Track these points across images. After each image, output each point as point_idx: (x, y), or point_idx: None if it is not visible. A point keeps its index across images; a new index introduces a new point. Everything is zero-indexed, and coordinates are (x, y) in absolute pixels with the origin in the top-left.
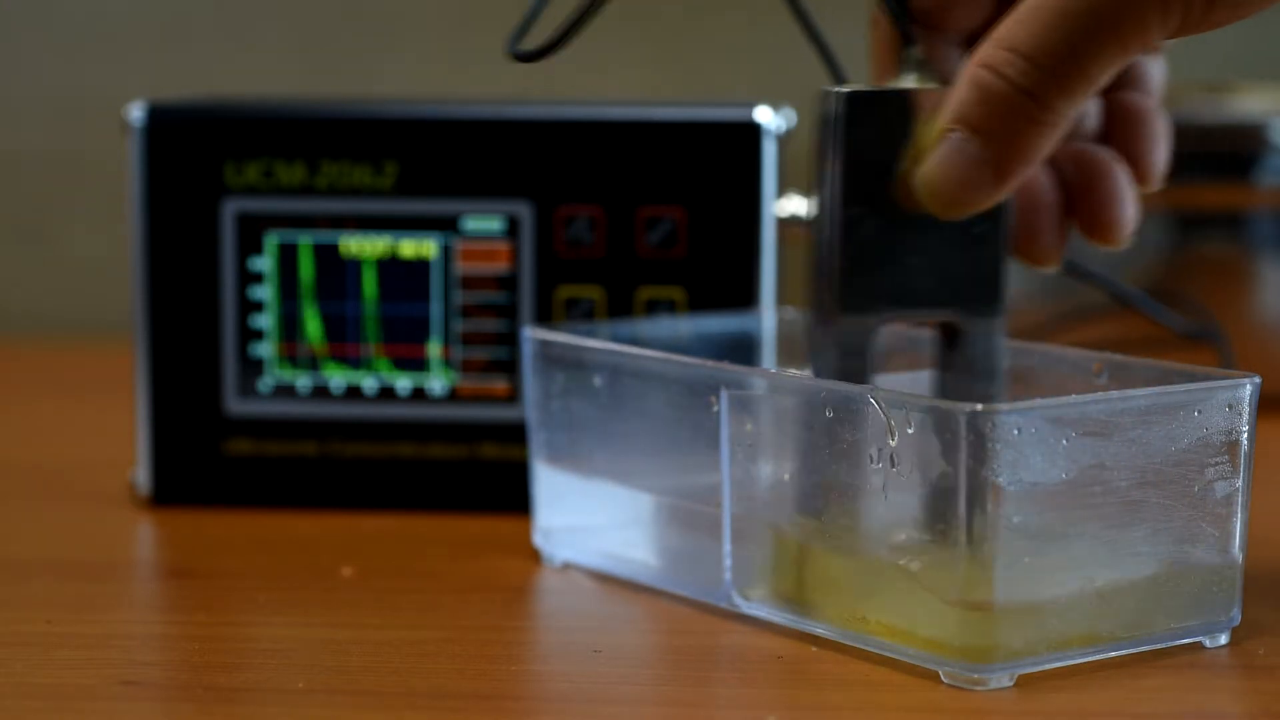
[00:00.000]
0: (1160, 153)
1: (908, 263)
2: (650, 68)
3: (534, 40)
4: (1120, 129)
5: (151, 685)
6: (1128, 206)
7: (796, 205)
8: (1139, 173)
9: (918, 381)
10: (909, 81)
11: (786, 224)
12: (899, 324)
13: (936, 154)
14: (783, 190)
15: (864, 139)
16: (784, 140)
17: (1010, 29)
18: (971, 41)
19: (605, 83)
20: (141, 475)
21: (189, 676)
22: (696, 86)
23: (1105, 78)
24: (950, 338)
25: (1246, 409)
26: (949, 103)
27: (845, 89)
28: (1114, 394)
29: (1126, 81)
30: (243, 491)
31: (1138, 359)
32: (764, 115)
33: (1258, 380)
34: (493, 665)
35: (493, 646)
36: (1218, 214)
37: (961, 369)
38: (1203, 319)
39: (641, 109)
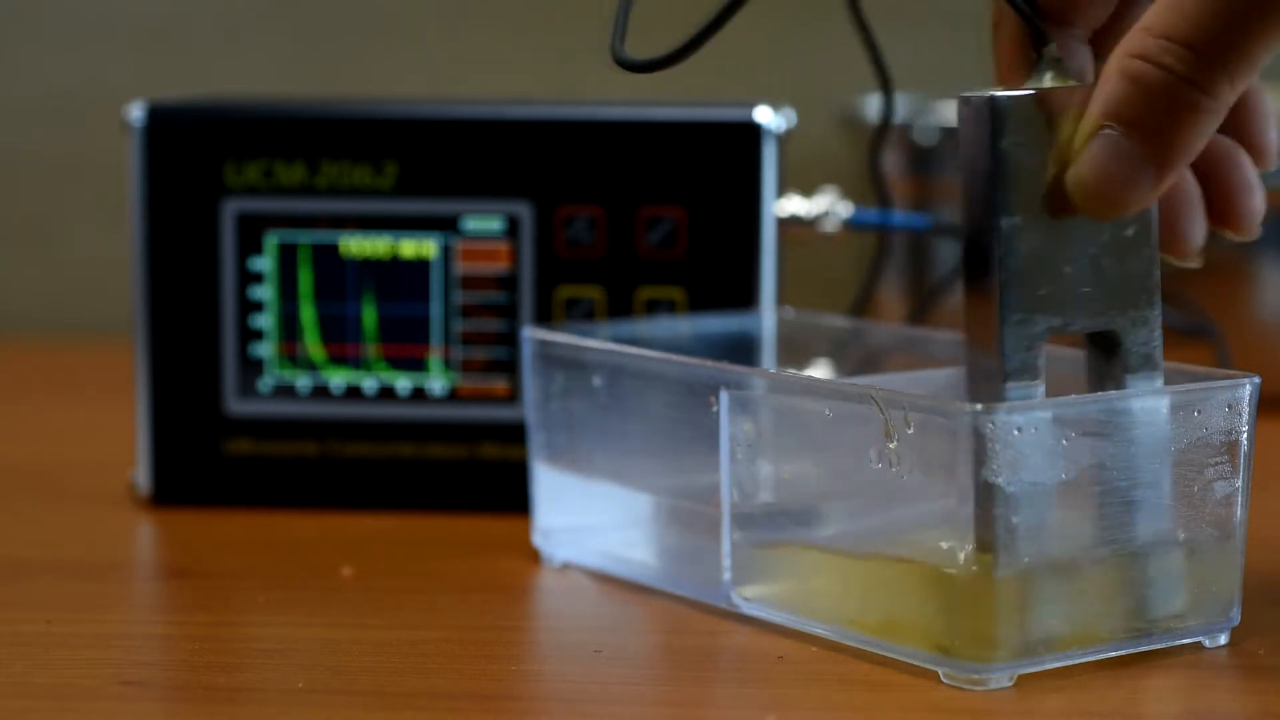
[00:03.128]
0: (1273, 132)
1: (1064, 271)
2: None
3: (636, 44)
4: (1233, 115)
5: (151, 685)
6: (1257, 195)
7: (796, 205)
8: (1256, 155)
9: (918, 381)
10: (1047, 81)
11: (786, 224)
12: (1060, 340)
13: (1090, 153)
14: (783, 190)
15: (1013, 145)
16: (784, 140)
17: (1161, 15)
18: (1095, 38)
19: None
20: (141, 475)
21: (189, 676)
22: (696, 86)
23: (1266, 59)
24: (1104, 346)
25: (1246, 409)
26: (1098, 98)
27: (990, 93)
28: (1114, 394)
29: None
30: (243, 491)
31: None
32: (764, 115)
33: (1257, 380)
34: (493, 665)
35: (493, 646)
36: None
37: (1119, 378)
38: (1199, 317)
39: (641, 109)
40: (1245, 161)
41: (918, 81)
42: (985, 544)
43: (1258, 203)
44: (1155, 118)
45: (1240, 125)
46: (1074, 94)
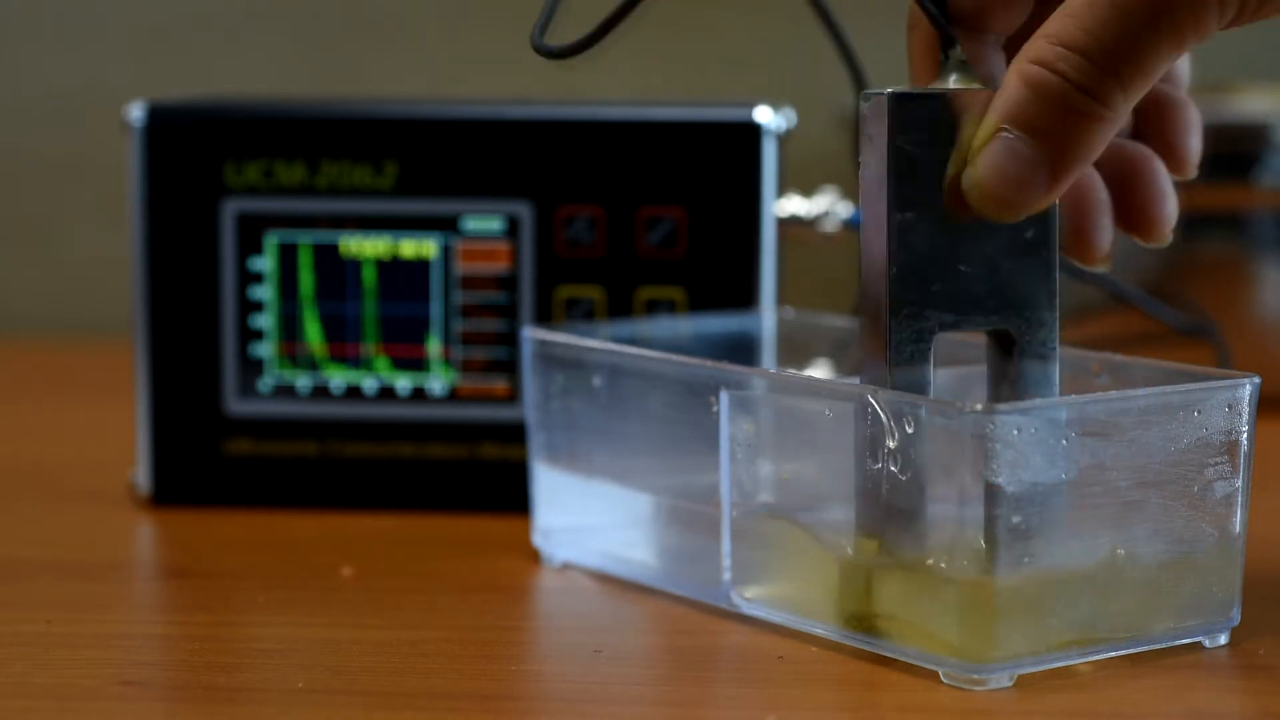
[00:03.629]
0: (1195, 141)
1: (960, 269)
2: (650, 68)
3: (559, 35)
4: (1153, 122)
5: (151, 685)
6: (1169, 202)
7: (796, 205)
8: (1175, 162)
9: None
10: (952, 83)
11: (786, 224)
12: (952, 334)
13: (987, 155)
14: (783, 190)
15: (911, 143)
16: (784, 140)
17: (1062, 24)
18: (1010, 43)
19: (605, 83)
20: (141, 475)
21: (189, 676)
22: (696, 86)
23: (1162, 70)
24: (1003, 346)
25: (1246, 409)
26: (998, 102)
27: (888, 90)
28: (1114, 394)
29: None
30: (243, 491)
31: (1138, 359)
32: (764, 115)
33: (1257, 380)
34: (493, 665)
35: (493, 646)
36: (1218, 214)
37: (1016, 378)
38: (1200, 318)
39: (641, 109)
40: (1159, 169)
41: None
42: (985, 544)
43: (1169, 210)
44: (1050, 123)
45: (1161, 133)
46: (976, 97)
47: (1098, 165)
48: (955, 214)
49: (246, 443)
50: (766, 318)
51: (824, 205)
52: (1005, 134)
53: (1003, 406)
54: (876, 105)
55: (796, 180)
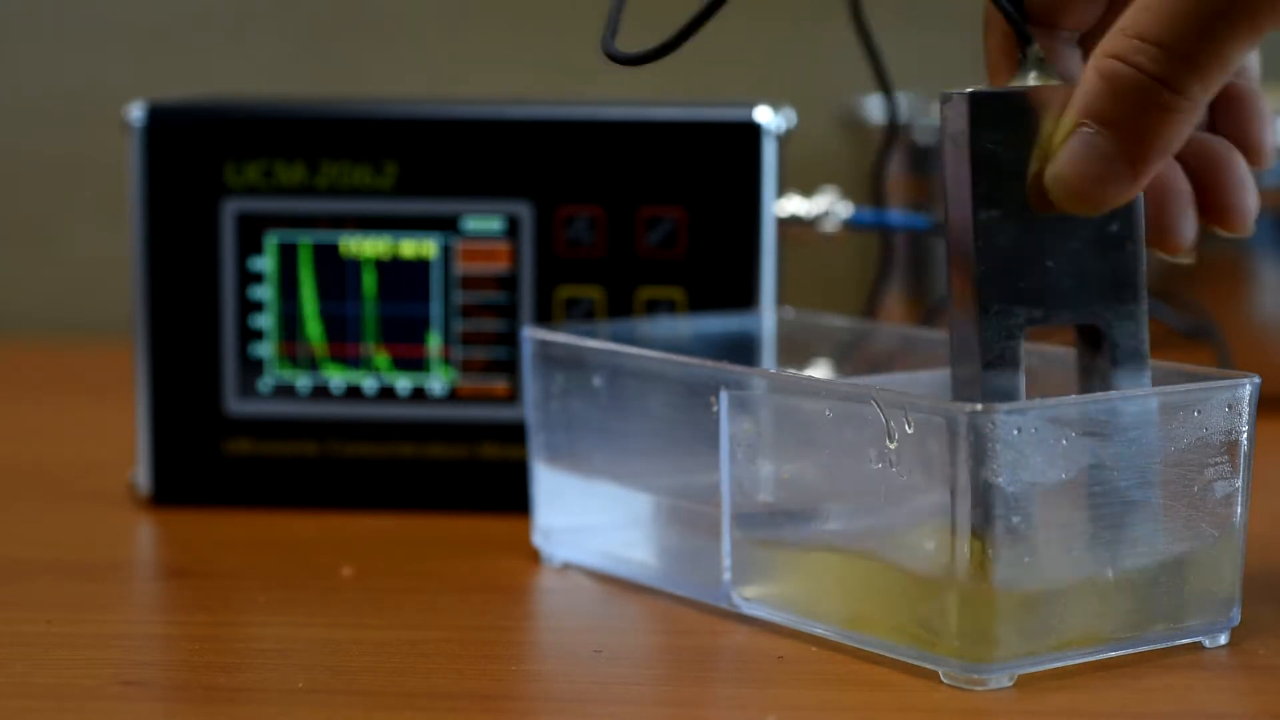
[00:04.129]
0: (1269, 132)
1: (1046, 265)
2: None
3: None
4: (1227, 114)
5: (151, 685)
6: (1250, 193)
7: (796, 205)
8: (1251, 153)
9: (918, 381)
10: (1030, 80)
11: (786, 224)
12: (1042, 330)
13: (1068, 151)
14: (783, 190)
15: (992, 141)
16: (784, 140)
17: (1137, 16)
18: (1085, 40)
19: (605, 82)
20: (141, 475)
21: (189, 676)
22: (696, 86)
23: (1240, 60)
24: (1093, 343)
25: (1246, 409)
26: (1076, 97)
27: (970, 90)
28: (1114, 394)
29: None
30: (243, 491)
31: None
32: (764, 115)
33: (1257, 380)
34: (493, 665)
35: (493, 646)
36: None
37: (1106, 372)
38: (1200, 318)
39: (641, 109)
40: (1238, 161)
41: (917, 81)
42: (985, 544)
43: (1251, 201)
44: (1128, 116)
45: (1237, 125)
46: (1055, 93)
47: (1178, 158)
48: (1039, 210)
49: (246, 443)
50: (766, 318)
51: (824, 205)
52: (1085, 128)
53: (1003, 406)
54: (957, 105)
55: (796, 180)
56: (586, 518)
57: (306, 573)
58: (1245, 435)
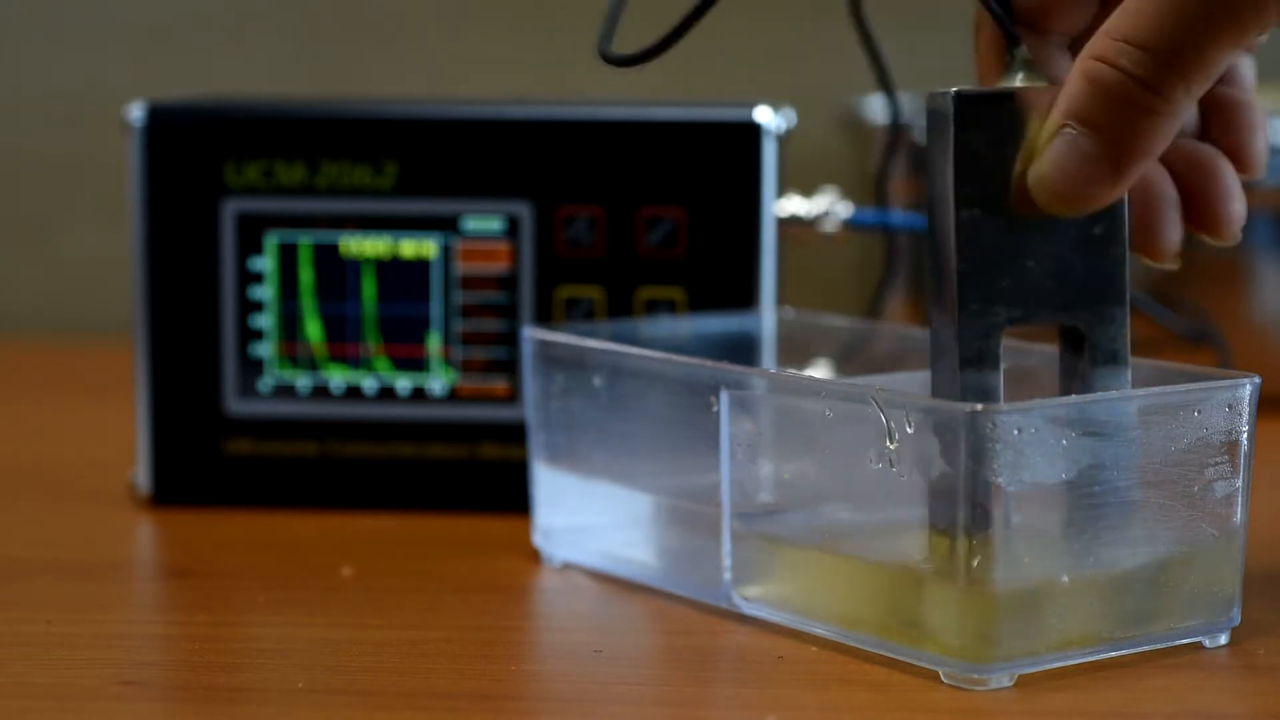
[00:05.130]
0: (1261, 141)
1: (1027, 265)
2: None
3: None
4: (1218, 122)
5: (151, 685)
6: (1237, 201)
7: (796, 205)
8: (1241, 162)
9: (918, 381)
10: (1017, 82)
11: (786, 224)
12: (1021, 330)
13: (1051, 152)
14: (783, 190)
15: (977, 141)
16: (784, 140)
17: (1122, 19)
18: (1076, 44)
19: (605, 82)
20: (141, 475)
21: (189, 676)
22: (696, 86)
23: (1223, 65)
24: (1074, 344)
25: (1246, 409)
26: (1061, 99)
27: (954, 90)
28: (1114, 394)
29: (1221, 77)
30: (243, 491)
31: (1138, 359)
32: (764, 115)
33: (1257, 380)
34: (493, 665)
35: (493, 646)
36: None
37: (1086, 374)
38: (1202, 322)
39: (641, 109)
40: (1226, 168)
41: (918, 81)
42: (985, 544)
43: (1238, 209)
44: (1112, 119)
45: (1228, 133)
46: (1041, 94)
47: (1166, 164)
48: (1022, 211)
49: (246, 443)
50: (766, 318)
51: (824, 205)
52: (1069, 130)
53: (1003, 406)
54: (942, 104)
55: (796, 180)
56: (586, 518)
57: (306, 573)
58: (1245, 435)
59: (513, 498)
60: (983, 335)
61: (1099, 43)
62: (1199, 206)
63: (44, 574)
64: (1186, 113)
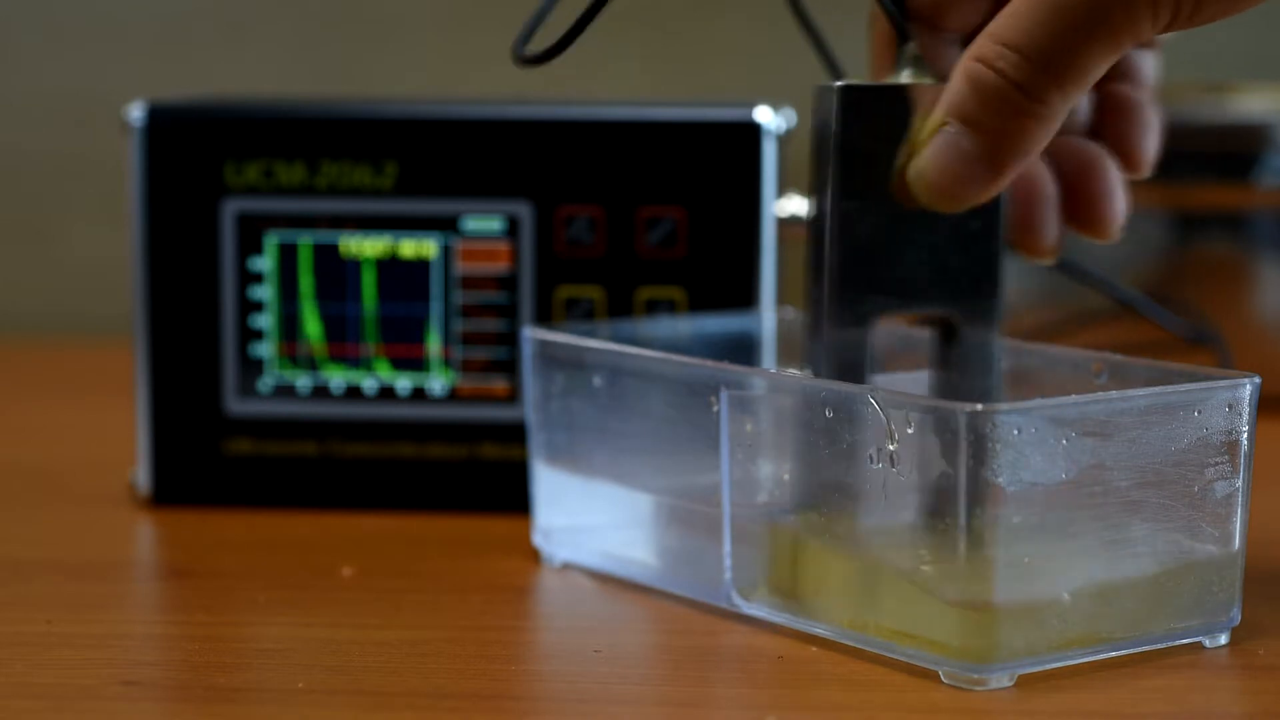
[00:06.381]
0: (1151, 141)
1: (905, 258)
2: (650, 68)
3: (540, 43)
4: (1110, 120)
5: (151, 685)
6: (1118, 200)
7: (796, 205)
8: (1129, 161)
9: (917, 381)
10: (905, 77)
11: (786, 224)
12: (895, 319)
13: (931, 148)
14: (783, 190)
15: (860, 134)
16: (784, 140)
17: (1003, 23)
18: (969, 40)
19: (605, 83)
20: (141, 475)
21: (189, 676)
22: (696, 86)
23: (1098, 71)
24: (947, 334)
25: (1246, 409)
26: (944, 97)
27: (840, 83)
28: (1114, 394)
29: (1117, 74)
30: (243, 491)
31: (1138, 359)
32: (764, 115)
33: (1257, 380)
34: (493, 665)
35: (493, 646)
36: (1218, 214)
37: (958, 366)
38: (1202, 323)
39: (641, 109)
40: (1110, 167)
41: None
42: (985, 544)
43: (1117, 207)
44: (990, 119)
45: (1119, 132)
46: (926, 91)
47: (1050, 160)
48: (902, 204)
49: (246, 443)
50: (766, 318)
51: None
52: (949, 128)
53: (1003, 406)
54: (827, 96)
55: (796, 180)
56: (586, 518)
57: (306, 573)
58: (1245, 435)
59: (513, 498)
60: (854, 323)
61: (981, 44)
62: (1078, 204)
63: (44, 574)
64: (1063, 115)
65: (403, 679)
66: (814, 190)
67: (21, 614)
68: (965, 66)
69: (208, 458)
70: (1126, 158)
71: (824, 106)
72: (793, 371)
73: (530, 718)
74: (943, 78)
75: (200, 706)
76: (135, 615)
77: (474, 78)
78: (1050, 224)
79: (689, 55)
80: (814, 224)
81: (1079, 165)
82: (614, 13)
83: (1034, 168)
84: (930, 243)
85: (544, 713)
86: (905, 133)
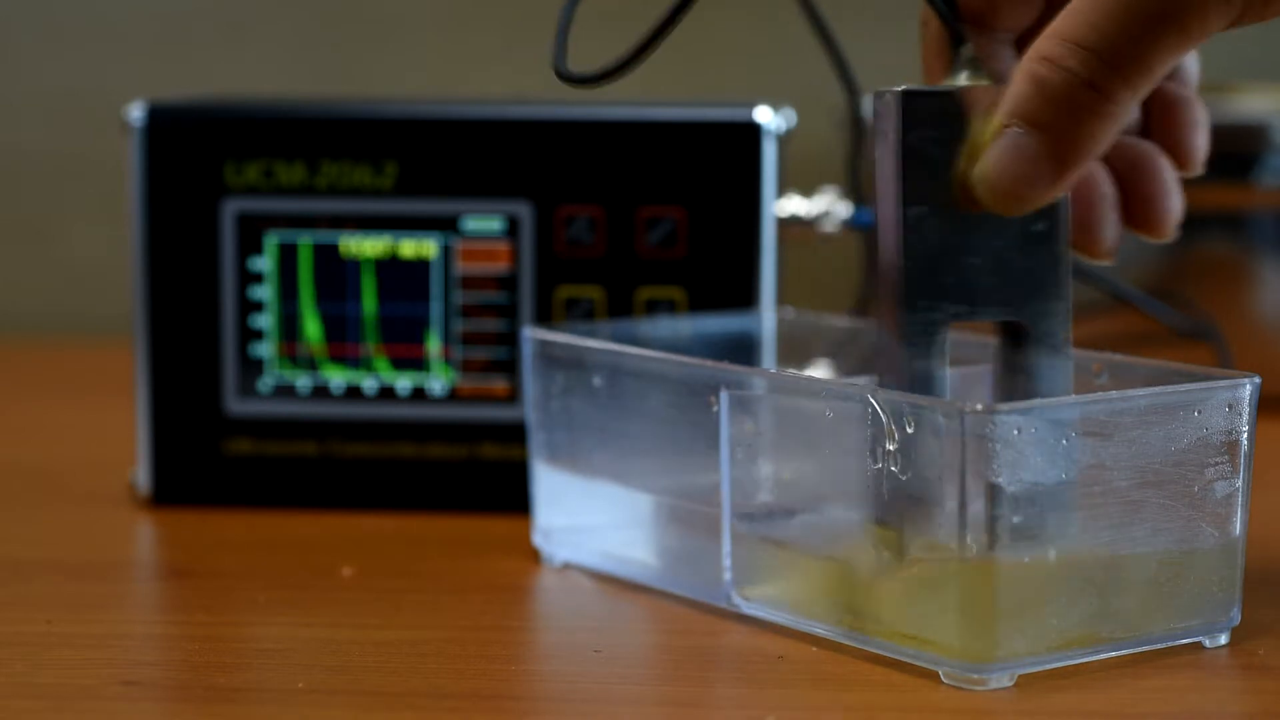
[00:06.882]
0: (1201, 139)
1: (970, 262)
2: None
3: (579, 57)
4: (1160, 119)
5: (151, 685)
6: (1174, 198)
7: (796, 205)
8: (1181, 159)
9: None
10: (962, 80)
11: (786, 224)
12: (964, 327)
13: (994, 150)
14: (783, 190)
15: (922, 139)
16: (784, 140)
17: (1069, 21)
18: (1021, 41)
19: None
20: (141, 475)
21: (189, 676)
22: (696, 86)
23: (1166, 68)
24: (1014, 338)
25: (1246, 409)
26: (1006, 98)
27: (901, 89)
28: (1114, 394)
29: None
30: (243, 491)
31: (1138, 359)
32: (764, 115)
33: (1257, 380)
34: (493, 665)
35: (493, 646)
36: (1218, 214)
37: (1027, 370)
38: (1201, 318)
39: (641, 109)
40: (1165, 166)
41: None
42: (985, 544)
43: (1174, 206)
44: (1055, 118)
45: (1169, 131)
46: (986, 93)
47: (1105, 162)
48: (965, 208)
49: (246, 443)
50: (766, 318)
51: (824, 205)
52: (1012, 129)
53: (1003, 406)
54: (888, 103)
55: (796, 180)
56: (586, 518)
57: (306, 573)
58: (1245, 435)
59: (513, 498)
60: (927, 332)
61: (1045, 44)
62: (1136, 204)
63: (44, 574)
64: (1129, 113)
65: (403, 679)
66: (877, 199)
67: (21, 614)
68: (1030, 67)
69: (208, 458)
70: (1179, 156)
71: (884, 112)
72: (793, 371)
73: (530, 718)
74: (996, 79)
75: (200, 706)
76: (135, 615)
77: (474, 78)
78: (1109, 224)
79: (689, 55)
80: (880, 233)
81: (1133, 165)
82: (614, 13)
83: (1092, 168)
84: (995, 247)
85: (544, 713)
86: (964, 136)
